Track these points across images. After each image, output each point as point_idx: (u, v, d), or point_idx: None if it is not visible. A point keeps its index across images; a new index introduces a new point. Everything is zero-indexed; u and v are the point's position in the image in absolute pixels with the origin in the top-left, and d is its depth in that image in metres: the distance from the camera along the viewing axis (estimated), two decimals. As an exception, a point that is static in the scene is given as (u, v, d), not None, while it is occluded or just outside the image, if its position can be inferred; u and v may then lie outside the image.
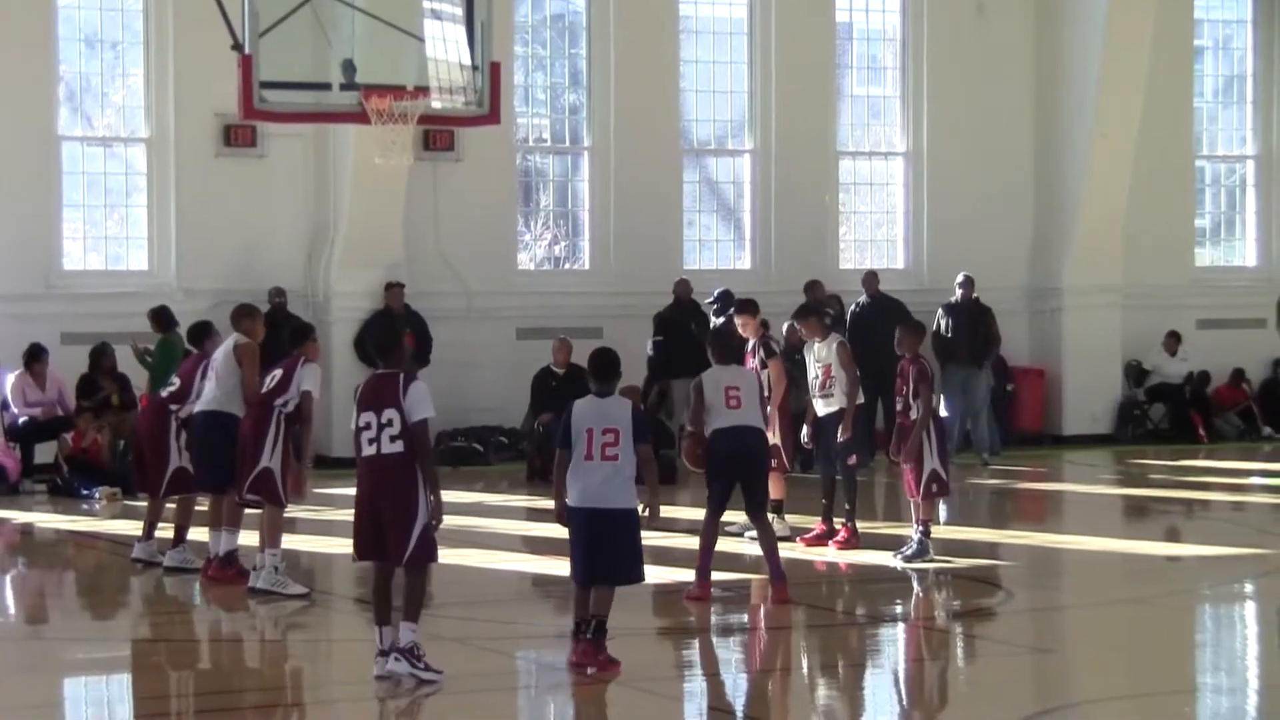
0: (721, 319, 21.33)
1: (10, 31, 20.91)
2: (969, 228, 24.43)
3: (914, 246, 24.88)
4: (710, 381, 13.25)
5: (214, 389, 14.15)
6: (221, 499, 14.08)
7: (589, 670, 11.01)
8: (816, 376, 15.61)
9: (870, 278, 22.63)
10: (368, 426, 10.66)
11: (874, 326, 22.15)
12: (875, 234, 25.23)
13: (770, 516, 13.85)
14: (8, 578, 15.89)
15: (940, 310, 22.41)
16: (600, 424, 10.91)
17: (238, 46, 15.09)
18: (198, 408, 14.29)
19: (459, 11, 15.78)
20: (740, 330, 15.90)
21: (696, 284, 22.25)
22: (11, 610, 14.45)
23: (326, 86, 15.76)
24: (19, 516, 18.33)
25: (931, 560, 14.76)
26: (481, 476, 20.86)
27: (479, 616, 13.40)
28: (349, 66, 15.64)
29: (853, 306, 22.39)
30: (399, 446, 10.61)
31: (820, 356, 15.59)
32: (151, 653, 12.46)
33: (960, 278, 22.47)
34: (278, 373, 13.66)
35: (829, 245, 24.34)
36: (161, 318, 19.58)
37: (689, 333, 21.13)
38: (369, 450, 10.67)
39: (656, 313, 21.84)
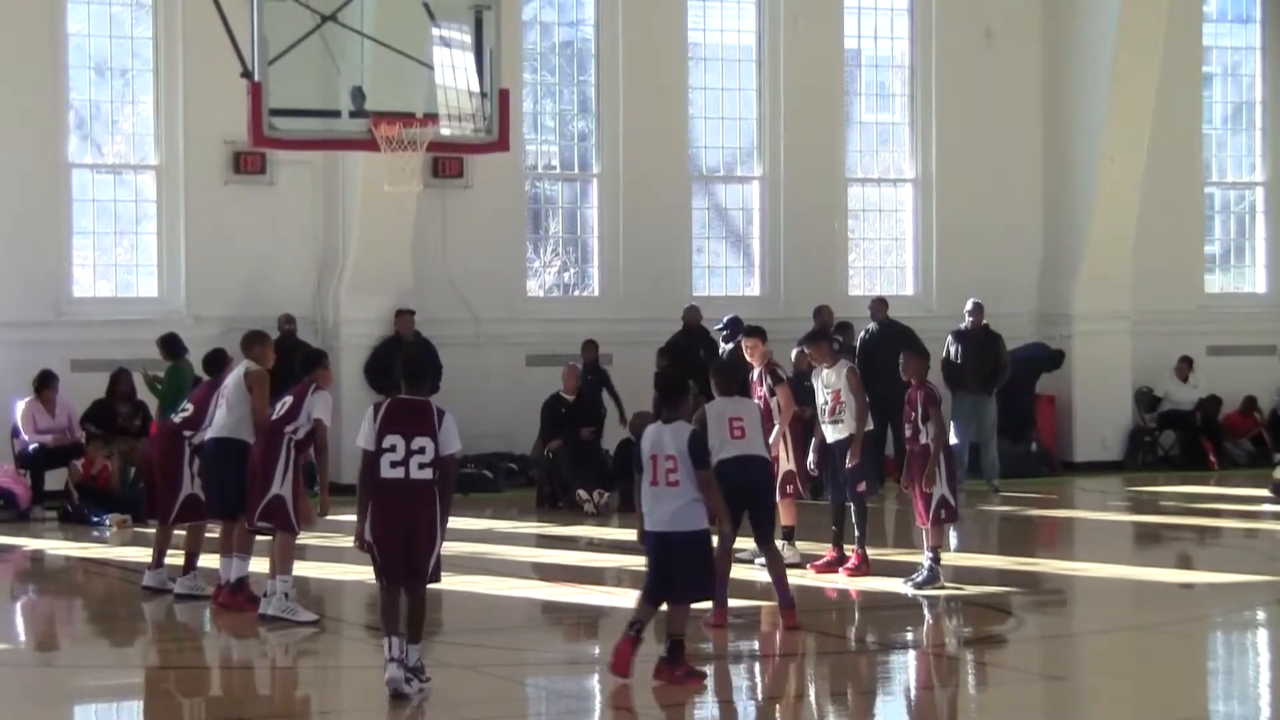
0: (731, 345, 21.36)
1: (21, 59, 20.97)
2: (978, 254, 24.43)
3: (923, 273, 24.88)
4: (714, 413, 13.25)
5: (225, 415, 14.16)
6: (232, 525, 14.08)
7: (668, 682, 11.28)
8: (825, 403, 15.60)
9: (879, 304, 22.60)
10: (392, 449, 10.81)
11: (883, 353, 22.11)
12: (884, 260, 25.24)
13: (781, 543, 13.83)
14: (18, 605, 15.89)
15: (950, 337, 22.38)
16: (662, 450, 11.26)
17: (247, 74, 15.12)
18: (208, 434, 14.29)
19: (468, 39, 15.81)
20: (747, 355, 15.89)
21: (706, 310, 22.26)
22: (22, 637, 14.44)
23: (336, 114, 15.80)
24: (29, 543, 18.32)
25: (942, 587, 14.73)
26: (491, 503, 20.84)
27: (489, 643, 13.39)
28: (358, 94, 15.68)
29: (861, 333, 22.37)
30: (428, 474, 10.84)
31: (829, 382, 15.58)
32: (161, 680, 12.45)
33: (969, 304, 22.46)
34: (288, 399, 13.66)
35: (838, 272, 24.34)
36: (170, 345, 19.62)
37: (698, 359, 21.10)
38: (393, 473, 10.83)
39: (667, 340, 21.80)
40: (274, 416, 13.67)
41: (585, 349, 21.72)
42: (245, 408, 14.02)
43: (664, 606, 11.54)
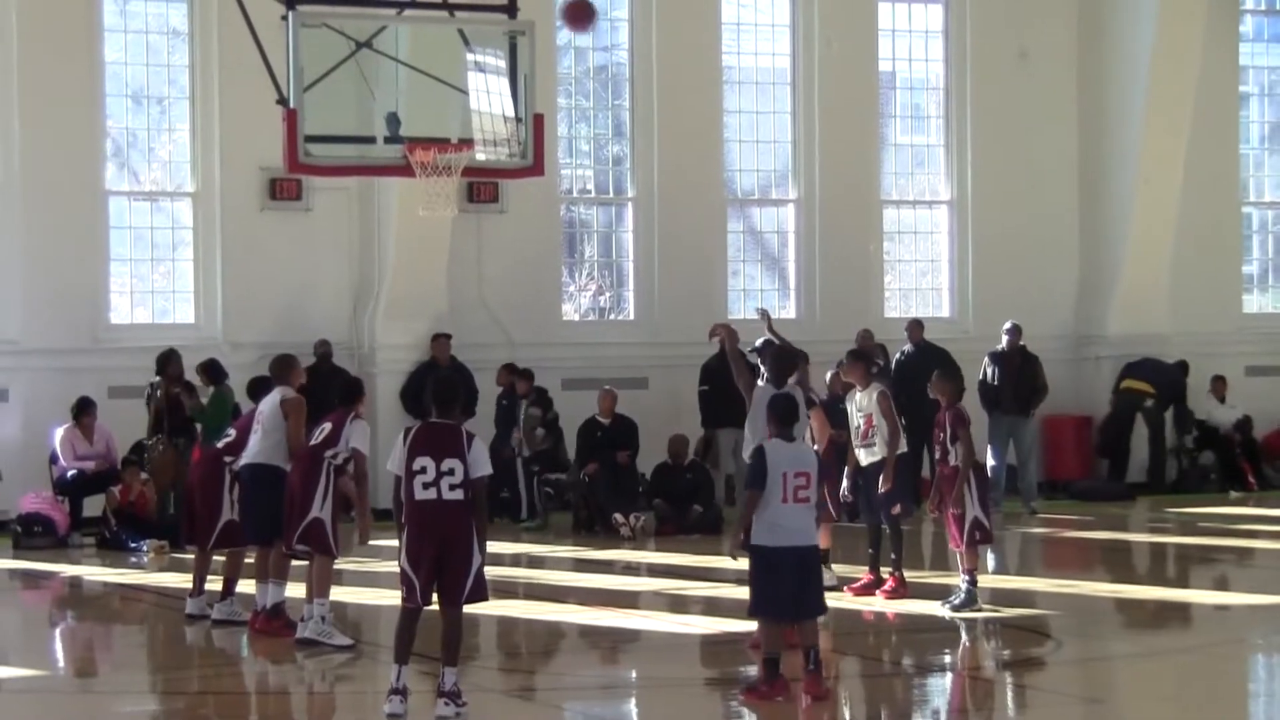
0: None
1: (59, 88, 21.08)
2: (1014, 276, 24.37)
3: (959, 295, 24.83)
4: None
5: (260, 441, 14.19)
6: (268, 551, 14.10)
7: (816, 698, 11.41)
8: (858, 426, 15.57)
9: (915, 326, 22.58)
10: (423, 471, 10.94)
11: (919, 375, 22.04)
12: (920, 282, 25.19)
13: None
14: (57, 631, 15.95)
15: (986, 359, 22.33)
16: (793, 467, 11.43)
17: (283, 101, 15.20)
18: (244, 460, 14.33)
19: (502, 64, 15.86)
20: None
21: (741, 334, 22.17)
22: (61, 663, 14.48)
23: (371, 140, 15.88)
24: (67, 569, 18.39)
25: (980, 609, 14.67)
26: (528, 527, 20.84)
27: (525, 668, 13.38)
28: (393, 120, 15.75)
29: (897, 355, 22.33)
30: (459, 495, 10.94)
31: (861, 406, 15.55)
32: (200, 705, 12.45)
33: (1007, 325, 22.39)
34: (327, 426, 13.69)
35: (874, 294, 24.31)
36: (212, 371, 19.69)
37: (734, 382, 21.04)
38: (426, 495, 10.94)
39: (704, 362, 21.78)
40: (313, 442, 13.69)
41: (602, 401, 21.49)
42: (281, 433, 14.06)
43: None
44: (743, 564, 11.82)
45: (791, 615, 11.60)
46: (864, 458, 15.50)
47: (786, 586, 11.46)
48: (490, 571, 11.06)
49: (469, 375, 21.24)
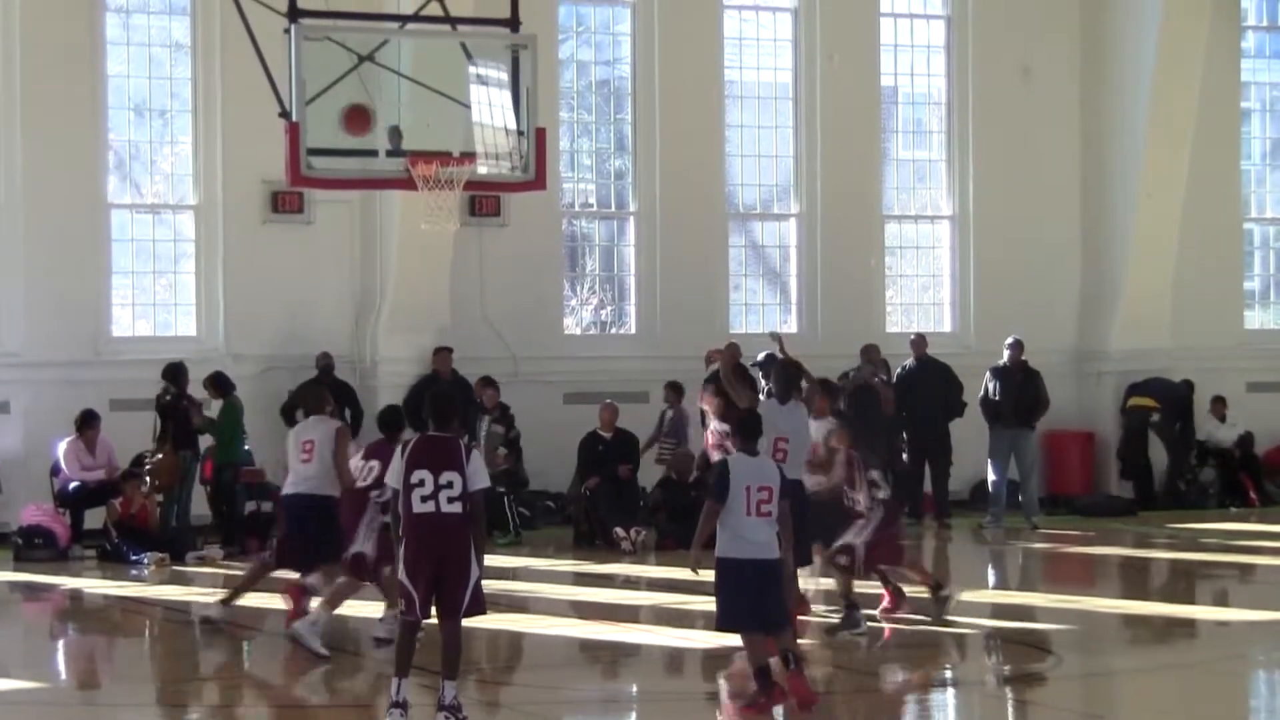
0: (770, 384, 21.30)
1: (61, 101, 21.09)
2: (1016, 290, 24.38)
3: (961, 309, 24.83)
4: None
5: (314, 470, 14.22)
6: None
7: (803, 702, 11.52)
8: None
9: (919, 340, 22.62)
10: (421, 484, 10.96)
11: (921, 389, 22.16)
12: (922, 297, 25.19)
13: None
14: (58, 643, 15.94)
15: (988, 373, 22.34)
16: (756, 481, 11.55)
17: (285, 114, 15.21)
18: (296, 489, 14.34)
19: (504, 78, 15.89)
20: (701, 402, 15.76)
21: (743, 348, 22.17)
22: (62, 675, 14.46)
23: (373, 153, 15.90)
24: (68, 582, 18.37)
25: (861, 633, 14.37)
26: (528, 541, 20.82)
27: (525, 682, 13.37)
28: (395, 133, 15.76)
29: (899, 369, 22.36)
30: (457, 507, 10.96)
31: (816, 432, 15.19)
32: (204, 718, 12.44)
33: (1009, 340, 22.40)
34: (375, 465, 13.64)
35: (875, 309, 24.31)
36: (219, 383, 19.67)
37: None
38: (424, 508, 10.96)
39: (705, 377, 21.75)
40: (361, 482, 13.76)
41: (604, 414, 21.39)
42: (331, 464, 14.10)
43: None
44: (706, 575, 11.78)
45: (759, 626, 11.62)
46: (809, 482, 14.78)
47: (749, 598, 11.53)
48: (490, 585, 11.05)
49: (469, 388, 21.24)
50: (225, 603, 14.82)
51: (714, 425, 17.26)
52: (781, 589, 11.88)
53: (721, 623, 11.79)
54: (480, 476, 11.07)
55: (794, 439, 13.97)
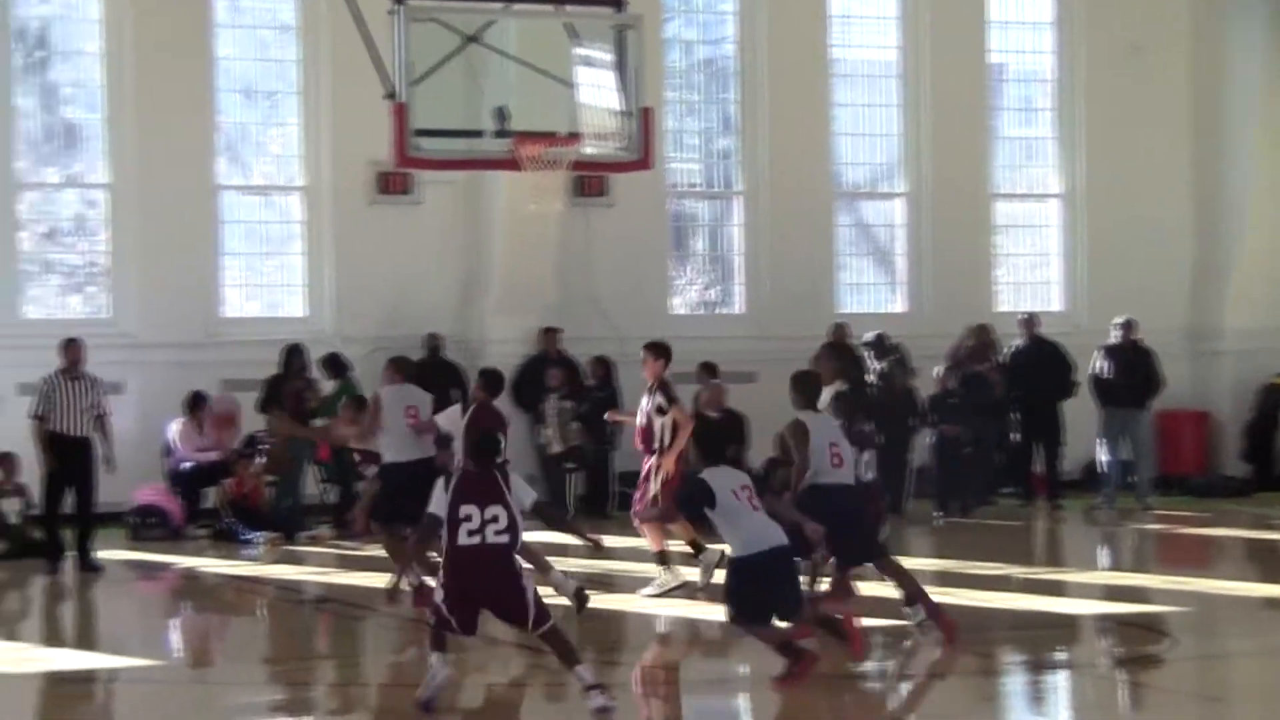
0: (881, 363, 21.21)
1: (172, 85, 21.28)
2: (1126, 268, 24.12)
3: (1071, 288, 24.59)
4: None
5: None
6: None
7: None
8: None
9: (1030, 320, 22.46)
10: (468, 519, 11.16)
11: (1032, 369, 21.98)
12: (1031, 276, 24.97)
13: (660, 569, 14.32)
14: (172, 622, 16.10)
15: (1097, 352, 22.09)
16: (737, 483, 11.94)
17: (391, 95, 15.24)
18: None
19: (610, 58, 15.85)
20: (644, 370, 15.66)
21: (855, 328, 22.12)
22: (176, 654, 14.60)
23: (479, 134, 15.89)
24: (182, 561, 18.55)
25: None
26: (629, 521, 20.73)
27: (632, 663, 13.33)
28: (501, 114, 15.76)
29: (1010, 348, 22.21)
30: (504, 538, 11.18)
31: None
32: (317, 696, 12.51)
33: (1121, 319, 22.13)
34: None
35: (984, 288, 24.12)
36: (334, 365, 19.78)
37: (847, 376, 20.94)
38: (470, 541, 11.13)
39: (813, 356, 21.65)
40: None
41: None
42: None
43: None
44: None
45: (779, 615, 11.78)
46: None
47: (769, 588, 11.74)
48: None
49: (575, 367, 21.29)
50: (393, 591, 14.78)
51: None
52: (796, 574, 12.13)
53: (738, 618, 11.91)
54: (525, 494, 11.34)
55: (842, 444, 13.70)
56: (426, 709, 11.09)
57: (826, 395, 14.84)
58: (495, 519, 11.11)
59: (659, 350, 15.74)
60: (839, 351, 16.80)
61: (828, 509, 12.90)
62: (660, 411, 15.44)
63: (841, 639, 12.02)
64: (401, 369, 15.85)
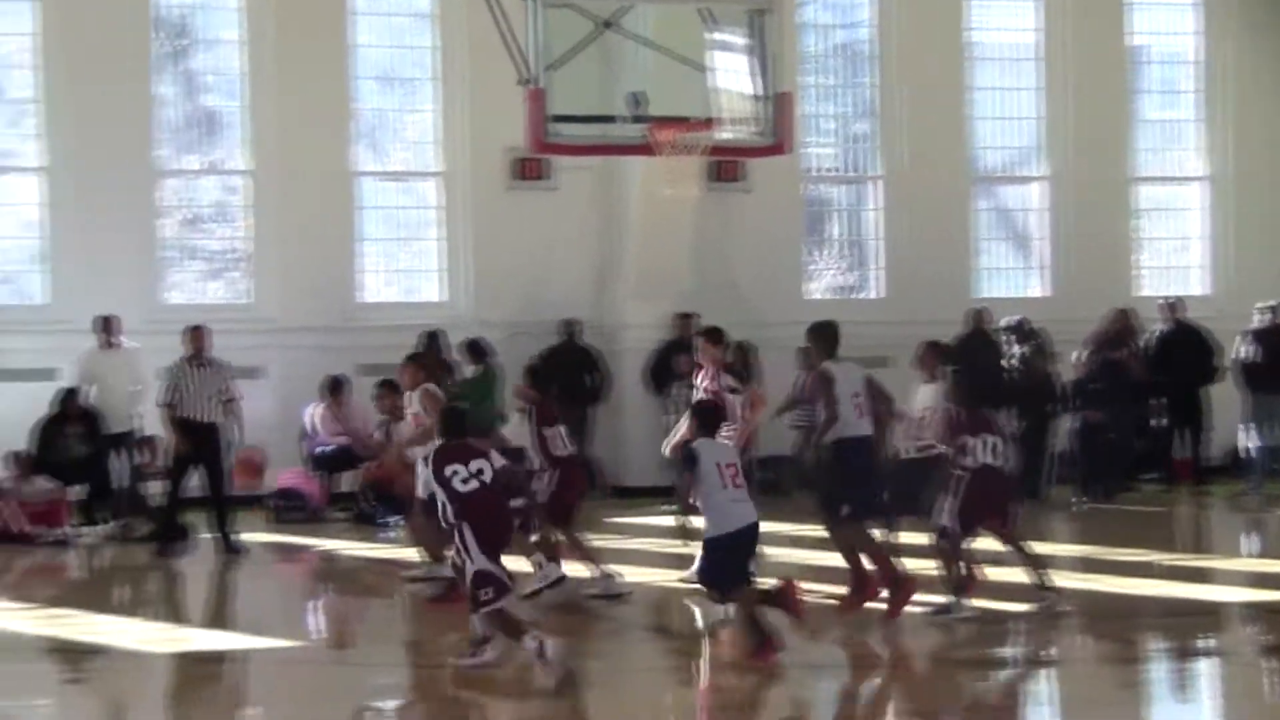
0: (1021, 348, 21.00)
1: (309, 72, 21.49)
2: (1271, 252, 23.74)
3: (1216, 272, 24.24)
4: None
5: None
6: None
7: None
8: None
9: (1175, 304, 22.17)
10: (455, 473, 11.84)
11: (1175, 354, 21.71)
12: (1173, 260, 24.63)
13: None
14: (311, 603, 16.26)
15: (1241, 337, 21.70)
16: (724, 459, 12.24)
17: (525, 81, 15.27)
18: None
19: (746, 43, 15.78)
20: (699, 357, 15.60)
21: (996, 312, 21.95)
22: (316, 634, 14.75)
23: (614, 119, 15.89)
24: (321, 544, 18.73)
25: (964, 617, 13.47)
26: (779, 506, 20.59)
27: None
28: (636, 99, 15.74)
29: (1152, 333, 21.94)
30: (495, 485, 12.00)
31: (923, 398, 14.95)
32: (449, 679, 12.57)
33: (1267, 304, 21.71)
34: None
35: (1125, 272, 23.83)
36: (475, 350, 19.83)
37: (986, 363, 20.78)
38: (469, 487, 11.76)
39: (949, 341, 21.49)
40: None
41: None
42: None
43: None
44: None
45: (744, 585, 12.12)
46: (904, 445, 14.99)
47: (740, 562, 12.13)
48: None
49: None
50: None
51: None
52: (753, 554, 12.37)
53: (714, 587, 12.35)
54: (497, 458, 11.94)
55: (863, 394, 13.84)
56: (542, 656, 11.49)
57: (928, 391, 14.87)
58: (481, 471, 11.71)
59: (717, 336, 15.76)
60: (938, 349, 16.46)
61: (857, 463, 13.34)
62: (733, 391, 15.44)
63: (784, 608, 12.18)
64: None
